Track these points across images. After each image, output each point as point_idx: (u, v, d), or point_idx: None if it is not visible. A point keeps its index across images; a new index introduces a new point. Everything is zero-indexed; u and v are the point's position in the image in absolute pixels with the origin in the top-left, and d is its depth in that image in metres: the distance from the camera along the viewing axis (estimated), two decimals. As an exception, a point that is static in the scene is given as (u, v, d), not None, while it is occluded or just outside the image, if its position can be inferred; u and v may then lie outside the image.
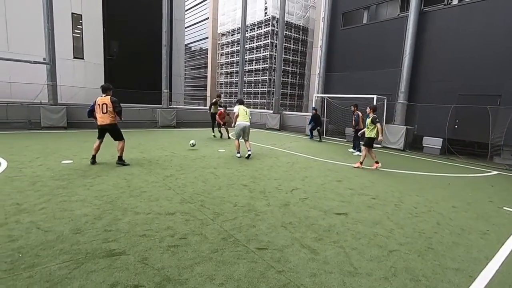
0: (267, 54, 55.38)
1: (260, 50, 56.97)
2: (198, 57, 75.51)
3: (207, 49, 70.29)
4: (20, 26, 14.99)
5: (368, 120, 7.55)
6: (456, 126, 11.08)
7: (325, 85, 15.99)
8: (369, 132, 7.49)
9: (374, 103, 11.55)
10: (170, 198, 4.45)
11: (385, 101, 12.39)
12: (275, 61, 53.01)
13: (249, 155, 7.98)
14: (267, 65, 55.60)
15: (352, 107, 10.10)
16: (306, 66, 59.78)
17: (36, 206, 3.83)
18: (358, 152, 9.68)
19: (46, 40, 12.04)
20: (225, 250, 2.96)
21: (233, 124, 8.23)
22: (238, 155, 8.06)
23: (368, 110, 7.72)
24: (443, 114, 11.08)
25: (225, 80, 66.31)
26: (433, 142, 11.21)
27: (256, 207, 4.26)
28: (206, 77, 70.60)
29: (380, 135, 7.40)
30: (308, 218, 3.95)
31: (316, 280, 2.55)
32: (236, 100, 9.34)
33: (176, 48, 22.58)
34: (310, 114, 14.91)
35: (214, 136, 12.26)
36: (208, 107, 13.40)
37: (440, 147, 10.99)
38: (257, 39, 57.56)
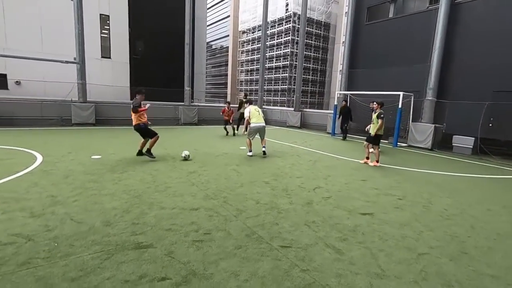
0: (288, 51, 54.89)
1: (281, 47, 56.56)
2: (218, 55, 76.20)
3: (227, 47, 70.78)
4: (53, 29, 15.80)
5: (374, 116, 7.40)
6: (490, 125, 10.43)
7: (348, 82, 15.60)
8: (375, 128, 7.32)
9: (400, 100, 11.13)
10: (193, 194, 4.53)
11: (412, 98, 11.90)
12: (296, 58, 52.53)
13: (264, 151, 7.82)
14: (288, 63, 55.13)
15: (372, 104, 9.79)
16: (327, 63, 58.68)
17: (69, 199, 4.03)
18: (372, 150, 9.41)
19: (76, 41, 12.62)
20: (249, 247, 2.97)
21: (245, 128, 8.06)
22: (250, 153, 7.75)
23: (375, 105, 7.52)
24: (475, 112, 10.46)
25: (245, 77, 66.51)
26: (464, 141, 10.63)
27: (279, 204, 4.24)
28: (226, 75, 71.16)
29: (380, 130, 7.33)
30: (332, 217, 3.87)
31: (342, 280, 2.49)
32: (244, 100, 9.16)
33: (198, 47, 22.90)
34: (332, 111, 14.62)
35: (234, 134, 12.28)
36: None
37: (471, 147, 10.40)
38: (277, 36, 57.18)
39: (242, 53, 67.19)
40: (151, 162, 6.46)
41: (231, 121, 12.18)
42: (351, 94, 14.58)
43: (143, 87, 7.13)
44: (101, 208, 3.78)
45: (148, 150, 6.81)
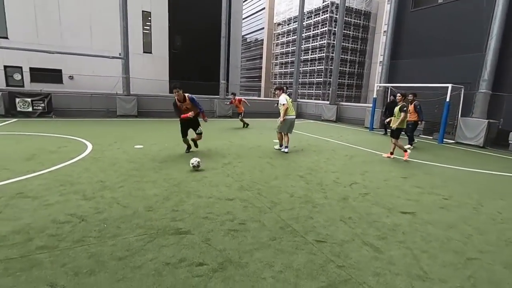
0: (324, 43, 53.22)
1: (317, 39, 55.00)
2: (253, 48, 76.25)
3: (262, 40, 70.51)
4: (100, 27, 16.94)
5: (397, 109, 7.03)
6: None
7: (389, 74, 14.73)
8: (397, 121, 6.98)
9: (449, 93, 10.27)
10: (229, 184, 4.63)
11: (462, 91, 10.92)
12: (332, 50, 50.72)
13: (287, 150, 7.32)
14: (324, 54, 53.51)
15: (409, 96, 9.16)
16: (366, 54, 55.96)
17: (116, 184, 4.35)
18: (409, 146, 8.86)
19: (122, 37, 13.39)
20: (283, 239, 2.98)
21: (281, 119, 7.07)
22: (287, 150, 7.25)
23: (398, 97, 7.14)
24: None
25: (279, 70, 65.91)
26: (523, 139, 9.55)
27: (313, 199, 4.18)
28: (260, 68, 71.10)
29: (402, 123, 7.03)
30: (369, 214, 3.73)
31: (380, 279, 2.40)
32: (275, 87, 8.50)
33: (233, 40, 23.12)
34: (371, 105, 13.97)
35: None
36: (263, 98, 13.47)
37: (532, 145, 9.32)
38: (313, 28, 55.62)
39: (276, 45, 66.52)
40: (189, 153, 6.70)
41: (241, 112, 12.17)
42: (392, 86, 13.78)
43: (178, 82, 6.97)
44: (143, 194, 4.02)
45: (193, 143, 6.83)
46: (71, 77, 16.89)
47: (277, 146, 7.56)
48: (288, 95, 7.62)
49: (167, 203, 3.73)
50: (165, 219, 3.28)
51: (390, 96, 12.26)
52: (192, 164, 5.21)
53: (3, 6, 15.13)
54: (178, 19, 19.76)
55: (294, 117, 7.41)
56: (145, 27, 18.91)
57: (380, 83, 14.91)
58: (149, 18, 18.92)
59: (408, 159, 7.08)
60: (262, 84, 67.66)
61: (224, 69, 16.60)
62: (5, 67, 15.44)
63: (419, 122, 8.99)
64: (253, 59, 76.00)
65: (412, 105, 8.81)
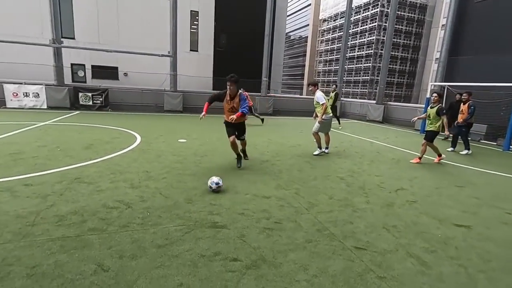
0: (373, 39, 50.45)
1: (365, 35, 52.37)
2: (296, 46, 75.24)
3: (306, 37, 69.19)
4: (152, 26, 18.02)
5: (432, 111, 6.34)
6: None
7: (446, 72, 13.43)
8: (430, 125, 6.38)
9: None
10: (266, 182, 4.61)
11: (536, 91, 9.53)
12: (382, 46, 47.83)
13: (327, 150, 6.96)
14: (372, 51, 50.76)
15: (463, 95, 8.20)
16: (420, 50, 51.83)
17: (159, 176, 4.59)
18: (467, 151, 7.93)
19: (171, 36, 14.10)
20: (320, 242, 2.87)
21: (320, 119, 6.43)
22: (327, 150, 6.88)
23: (434, 97, 6.29)
24: None
25: (323, 68, 64.19)
26: None
27: (354, 203, 3.97)
28: (303, 65, 69.92)
29: (445, 130, 6.34)
30: (417, 224, 3.43)
31: (427, 297, 2.18)
32: (309, 82, 7.36)
33: (277, 37, 23.04)
34: (422, 105, 12.88)
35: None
36: (304, 96, 13.22)
37: None
38: (362, 23, 53.04)
39: (321, 42, 64.80)
40: (228, 150, 6.81)
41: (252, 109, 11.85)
42: (448, 85, 12.55)
43: (235, 75, 4.91)
44: (184, 186, 4.18)
45: (241, 153, 5.61)
46: (125, 74, 18.30)
47: (317, 152, 6.73)
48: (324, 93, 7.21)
49: (205, 197, 3.83)
50: (202, 212, 3.37)
51: (455, 96, 10.90)
52: (211, 187, 3.96)
53: (72, 10, 16.89)
54: (223, 18, 20.23)
55: (331, 115, 6.92)
56: (192, 26, 19.70)
57: (435, 81, 13.67)
58: (197, 18, 19.66)
59: (441, 161, 6.64)
60: (305, 82, 66.51)
61: (266, 67, 16.61)
62: (72, 65, 17.24)
63: (471, 124, 8.19)
64: (296, 57, 75.01)
65: (466, 105, 7.97)
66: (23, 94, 12.34)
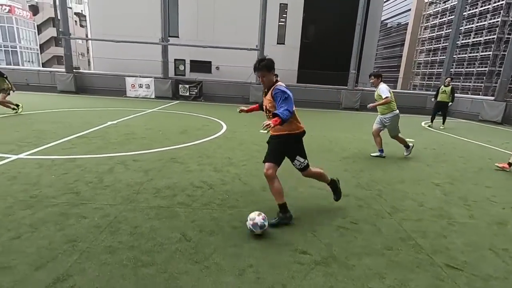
0: (496, 21, 41.27)
1: (485, 17, 43.25)
2: (393, 34, 67.75)
3: (406, 24, 61.51)
4: (243, 21, 18.94)
5: None
6: None
7: None
8: None
9: None
10: (346, 179, 4.36)
11: None
12: (509, 30, 38.72)
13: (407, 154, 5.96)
14: (493, 37, 41.66)
15: None
16: None
17: (240, 162, 4.87)
18: None
19: (259, 30, 14.56)
20: (402, 252, 2.56)
21: (372, 105, 5.71)
22: (407, 153, 5.91)
23: None
24: None
25: (425, 59, 56.17)
26: None
27: (452, 214, 3.39)
28: (400, 56, 62.66)
29: None
30: (540, 252, 2.71)
31: None
32: (370, 73, 6.10)
33: (370, 26, 21.23)
34: None
35: (430, 126, 10.18)
36: (398, 90, 11.82)
37: None
38: (482, 3, 43.92)
39: (425, 29, 56.63)
40: (308, 140, 6.70)
41: None
42: None
43: (267, 58, 3.30)
44: (261, 175, 4.29)
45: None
46: (217, 68, 19.90)
47: (375, 154, 5.86)
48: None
49: (280, 187, 3.87)
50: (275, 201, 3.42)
51: None
52: (250, 229, 2.64)
53: (177, 11, 19.20)
54: (313, 8, 19.72)
55: (398, 112, 5.72)
56: (281, 19, 19.88)
57: None
58: (285, 10, 19.73)
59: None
60: (401, 74, 59.58)
61: (355, 58, 15.53)
62: (175, 60, 19.71)
63: None
64: (392, 46, 67.70)
65: None
66: (138, 86, 14.85)
